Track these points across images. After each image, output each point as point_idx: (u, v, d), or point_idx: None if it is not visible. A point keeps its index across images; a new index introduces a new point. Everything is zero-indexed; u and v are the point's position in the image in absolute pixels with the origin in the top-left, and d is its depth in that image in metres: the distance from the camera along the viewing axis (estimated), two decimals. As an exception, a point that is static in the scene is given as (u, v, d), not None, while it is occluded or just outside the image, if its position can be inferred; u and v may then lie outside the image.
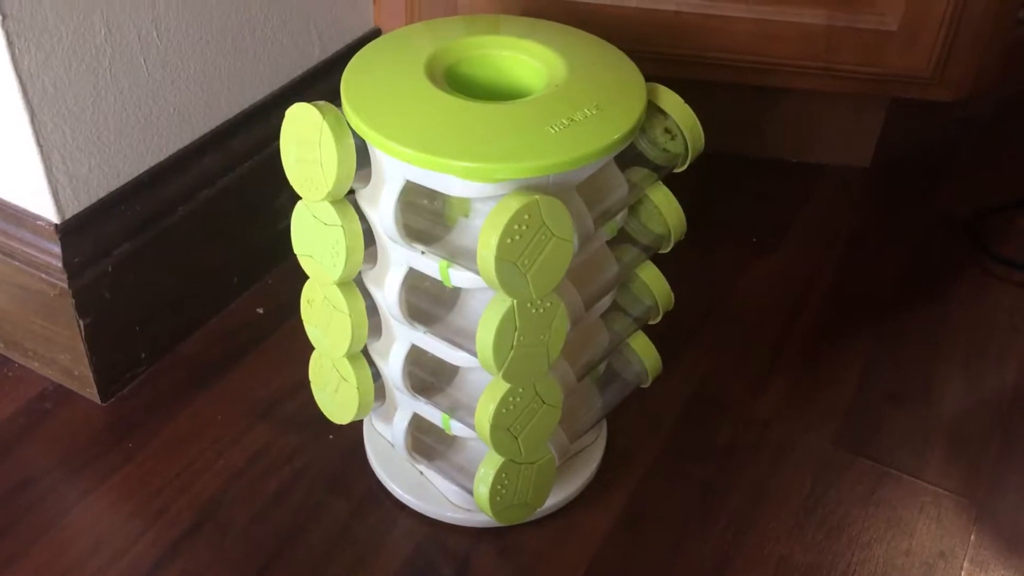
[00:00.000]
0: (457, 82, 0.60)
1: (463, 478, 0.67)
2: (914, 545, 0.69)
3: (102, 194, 0.72)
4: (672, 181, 0.65)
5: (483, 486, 0.62)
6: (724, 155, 0.99)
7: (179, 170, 0.78)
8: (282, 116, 0.58)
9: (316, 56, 0.88)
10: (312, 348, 0.68)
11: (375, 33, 0.94)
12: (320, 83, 0.88)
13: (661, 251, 0.67)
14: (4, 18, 0.61)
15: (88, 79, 0.68)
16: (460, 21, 0.65)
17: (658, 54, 0.88)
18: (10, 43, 0.62)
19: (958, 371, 0.82)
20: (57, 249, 0.70)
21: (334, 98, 0.58)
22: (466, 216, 0.58)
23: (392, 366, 0.63)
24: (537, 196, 0.52)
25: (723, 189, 1.00)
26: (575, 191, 0.57)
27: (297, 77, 0.86)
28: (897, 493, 0.73)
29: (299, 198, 0.61)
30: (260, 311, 0.85)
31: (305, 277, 0.65)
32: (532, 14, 0.66)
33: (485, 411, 0.58)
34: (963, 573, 0.68)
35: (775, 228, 0.97)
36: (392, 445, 0.70)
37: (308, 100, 0.57)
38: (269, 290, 0.87)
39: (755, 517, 0.70)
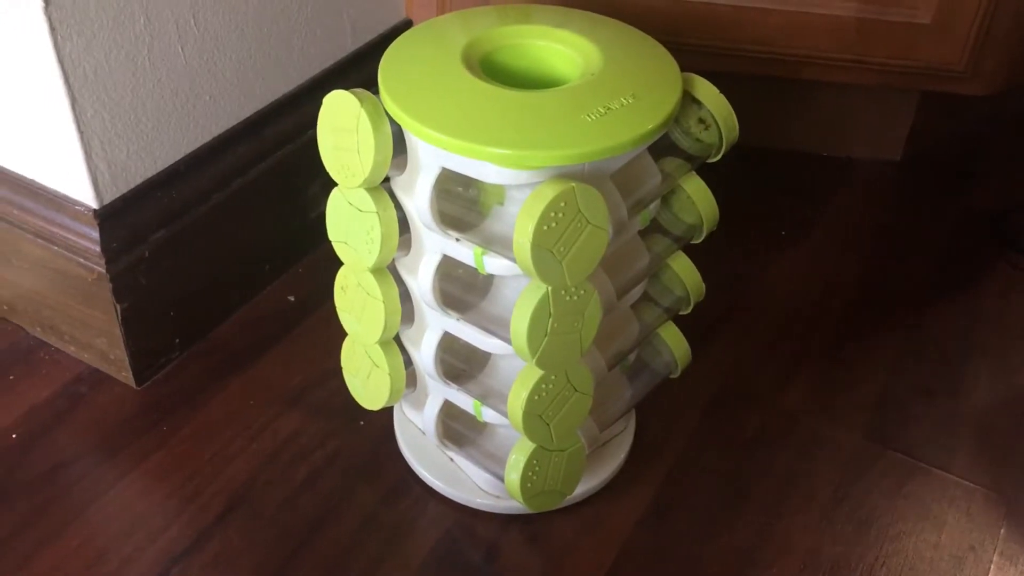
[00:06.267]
0: (493, 71, 0.61)
1: (493, 465, 0.67)
2: (943, 538, 0.69)
3: (139, 180, 0.73)
4: (701, 173, 0.66)
5: (514, 473, 0.62)
6: (753, 148, 0.99)
7: (214, 158, 0.78)
8: (315, 105, 0.59)
9: (348, 46, 0.88)
10: (342, 336, 0.69)
11: (406, 23, 0.94)
12: (352, 72, 0.88)
13: (693, 242, 0.67)
14: (47, 5, 0.62)
15: (127, 66, 0.69)
16: (493, 11, 0.66)
17: (688, 46, 0.88)
18: (53, 29, 0.63)
19: (988, 366, 0.82)
20: (95, 234, 0.71)
21: (367, 87, 0.58)
22: (501, 204, 0.59)
23: (424, 353, 0.64)
24: (573, 184, 0.52)
25: (752, 182, 1.00)
26: (610, 180, 0.57)
27: (330, 66, 0.87)
28: (926, 487, 0.72)
29: (331, 187, 0.62)
30: (291, 299, 0.86)
31: (336, 266, 0.65)
32: (563, 5, 0.67)
33: (518, 398, 0.59)
34: (992, 567, 0.68)
35: (804, 221, 0.96)
36: (422, 432, 0.70)
37: (342, 89, 0.57)
38: (300, 278, 0.88)
39: (783, 509, 0.71)
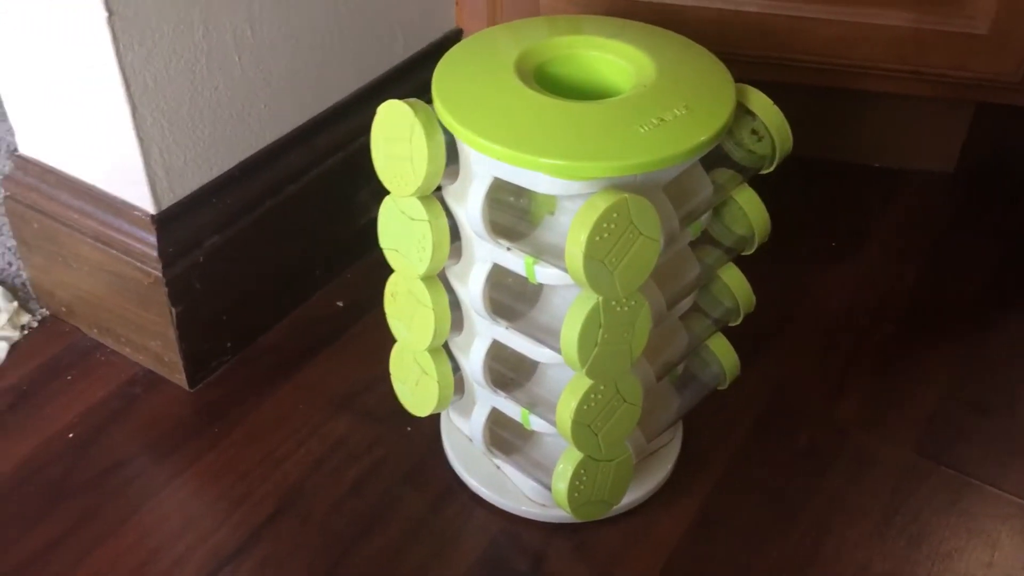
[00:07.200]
0: (546, 81, 0.61)
1: (540, 473, 0.67)
2: (996, 557, 0.68)
3: (195, 187, 0.75)
4: (753, 184, 0.65)
5: (561, 482, 0.62)
6: (804, 158, 0.98)
7: (267, 165, 0.80)
8: (366, 113, 0.60)
9: (399, 55, 0.89)
10: (391, 342, 0.69)
11: (457, 33, 0.95)
12: (403, 82, 0.89)
13: (744, 253, 0.67)
14: (110, 15, 0.64)
15: (186, 75, 0.71)
16: (544, 22, 0.66)
17: (741, 56, 0.87)
18: (115, 39, 0.65)
19: (1045, 382, 0.81)
20: (153, 239, 0.73)
21: (418, 96, 0.59)
22: (552, 213, 0.59)
23: (473, 361, 0.64)
24: (626, 195, 0.52)
25: (803, 192, 0.99)
26: (662, 191, 0.57)
27: (381, 76, 0.88)
28: (980, 504, 0.71)
29: (381, 194, 0.62)
30: (340, 304, 0.87)
31: (383, 272, 0.66)
32: (614, 15, 0.67)
33: (567, 407, 0.59)
34: (1048, 588, 0.66)
35: (856, 233, 0.95)
36: (470, 439, 0.71)
37: (392, 98, 0.58)
38: (349, 284, 0.89)
39: (833, 524, 0.70)
